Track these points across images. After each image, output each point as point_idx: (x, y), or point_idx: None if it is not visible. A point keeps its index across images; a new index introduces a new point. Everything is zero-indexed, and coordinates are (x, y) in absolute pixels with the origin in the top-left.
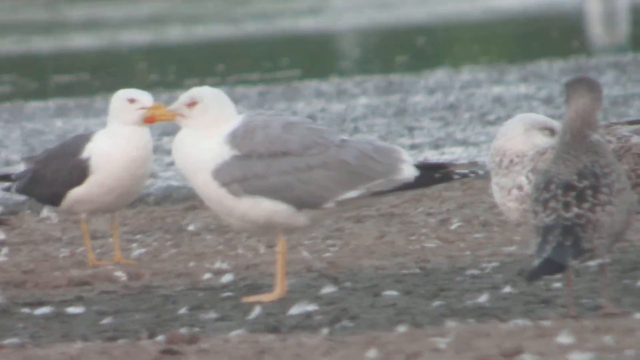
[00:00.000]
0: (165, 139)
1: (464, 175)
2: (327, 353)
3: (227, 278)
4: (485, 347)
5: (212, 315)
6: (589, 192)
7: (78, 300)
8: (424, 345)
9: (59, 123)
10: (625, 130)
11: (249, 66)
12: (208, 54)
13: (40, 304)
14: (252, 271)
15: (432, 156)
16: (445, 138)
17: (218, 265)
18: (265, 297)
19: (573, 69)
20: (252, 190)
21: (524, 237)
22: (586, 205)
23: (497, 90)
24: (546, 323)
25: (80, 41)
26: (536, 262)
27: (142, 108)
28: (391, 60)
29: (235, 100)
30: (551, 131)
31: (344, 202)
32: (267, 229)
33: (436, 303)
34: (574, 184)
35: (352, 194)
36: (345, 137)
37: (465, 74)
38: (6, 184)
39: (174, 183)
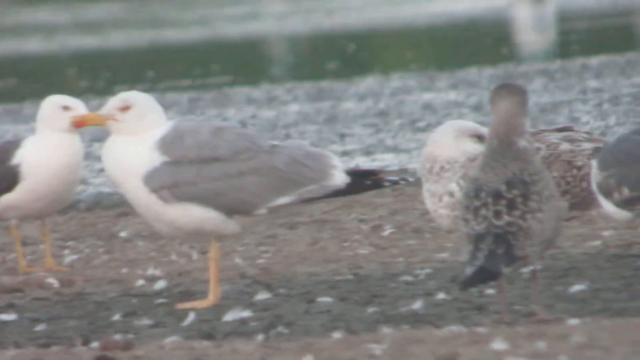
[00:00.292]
0: (96, 145)
1: (395, 182)
2: (263, 359)
3: (160, 284)
4: (420, 354)
5: (146, 321)
6: (519, 199)
7: (10, 307)
8: (359, 352)
9: None
10: (554, 137)
11: (180, 72)
12: (139, 60)
13: None
14: (185, 278)
15: (363, 163)
16: (376, 145)
17: (151, 271)
18: (199, 304)
19: (502, 76)
20: (182, 196)
21: (456, 243)
22: (517, 212)
23: (427, 97)
24: (480, 329)
25: (10, 46)
26: (469, 270)
27: (76, 116)
28: (322, 67)
29: (166, 106)
30: (480, 138)
31: (275, 208)
32: (198, 236)
33: (370, 309)
34: (503, 194)
35: (284, 200)
36: (275, 142)
37: (396, 81)
38: None
39: (105, 189)
